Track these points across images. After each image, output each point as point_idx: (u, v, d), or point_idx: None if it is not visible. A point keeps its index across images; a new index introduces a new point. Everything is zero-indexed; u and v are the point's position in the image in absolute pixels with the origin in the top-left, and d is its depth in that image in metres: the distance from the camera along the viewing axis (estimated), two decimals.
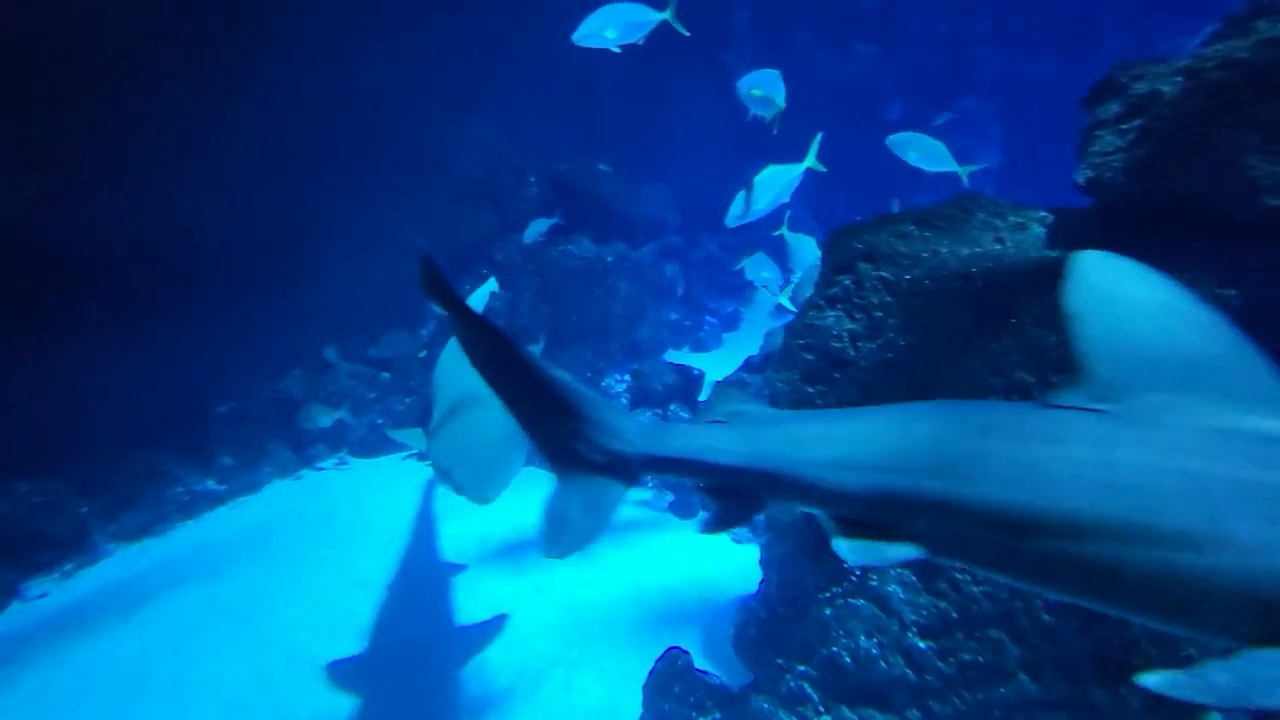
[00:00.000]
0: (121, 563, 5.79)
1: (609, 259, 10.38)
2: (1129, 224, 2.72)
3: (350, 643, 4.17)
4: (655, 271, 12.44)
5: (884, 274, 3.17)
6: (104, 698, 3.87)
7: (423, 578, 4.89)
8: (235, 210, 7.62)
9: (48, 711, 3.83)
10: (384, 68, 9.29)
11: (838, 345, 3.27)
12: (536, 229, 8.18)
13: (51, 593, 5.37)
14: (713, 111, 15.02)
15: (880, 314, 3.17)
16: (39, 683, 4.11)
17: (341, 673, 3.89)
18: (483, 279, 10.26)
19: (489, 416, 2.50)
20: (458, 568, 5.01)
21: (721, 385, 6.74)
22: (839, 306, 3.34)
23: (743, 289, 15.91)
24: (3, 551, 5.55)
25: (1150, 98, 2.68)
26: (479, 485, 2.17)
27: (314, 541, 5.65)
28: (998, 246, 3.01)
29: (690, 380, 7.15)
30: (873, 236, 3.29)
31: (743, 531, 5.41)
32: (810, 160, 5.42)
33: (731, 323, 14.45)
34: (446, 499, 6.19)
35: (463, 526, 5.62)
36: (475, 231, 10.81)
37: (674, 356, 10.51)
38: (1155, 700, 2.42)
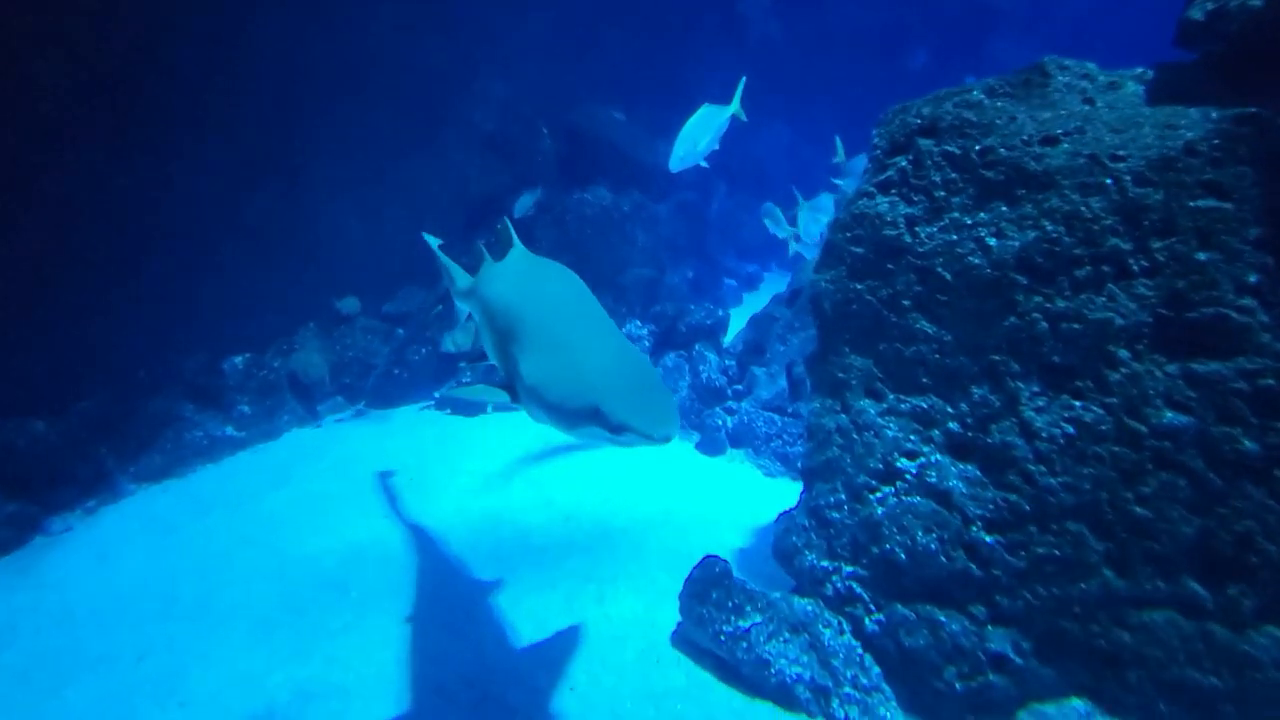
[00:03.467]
0: (145, 500, 5.74)
1: (625, 208, 10.04)
2: (1255, 69, 2.36)
3: (376, 568, 4.04)
4: (671, 227, 12.08)
5: (950, 148, 2.84)
6: (134, 618, 3.79)
7: (448, 510, 4.75)
8: (245, 162, 7.43)
9: (76, 629, 3.77)
10: (392, 18, 8.92)
11: (892, 233, 2.97)
12: (524, 203, 7.87)
13: (75, 528, 5.33)
14: (728, 67, 14.43)
15: (943, 193, 2.86)
16: (63, 604, 4.05)
17: (369, 593, 3.77)
18: (498, 232, 10.03)
19: (617, 355, 2.04)
20: (483, 501, 4.85)
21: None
22: (893, 191, 3.03)
23: (759, 250, 15.49)
24: (24, 488, 5.50)
25: None
26: (662, 423, 1.81)
27: (336, 479, 5.53)
28: (1086, 107, 2.66)
29: (716, 320, 6.87)
30: (934, 109, 2.95)
31: (774, 465, 5.19)
32: (735, 106, 5.01)
33: (752, 283, 14.07)
34: (465, 440, 6.08)
35: (484, 463, 5.47)
36: (489, 185, 10.51)
37: None
38: (1275, 601, 2.16)
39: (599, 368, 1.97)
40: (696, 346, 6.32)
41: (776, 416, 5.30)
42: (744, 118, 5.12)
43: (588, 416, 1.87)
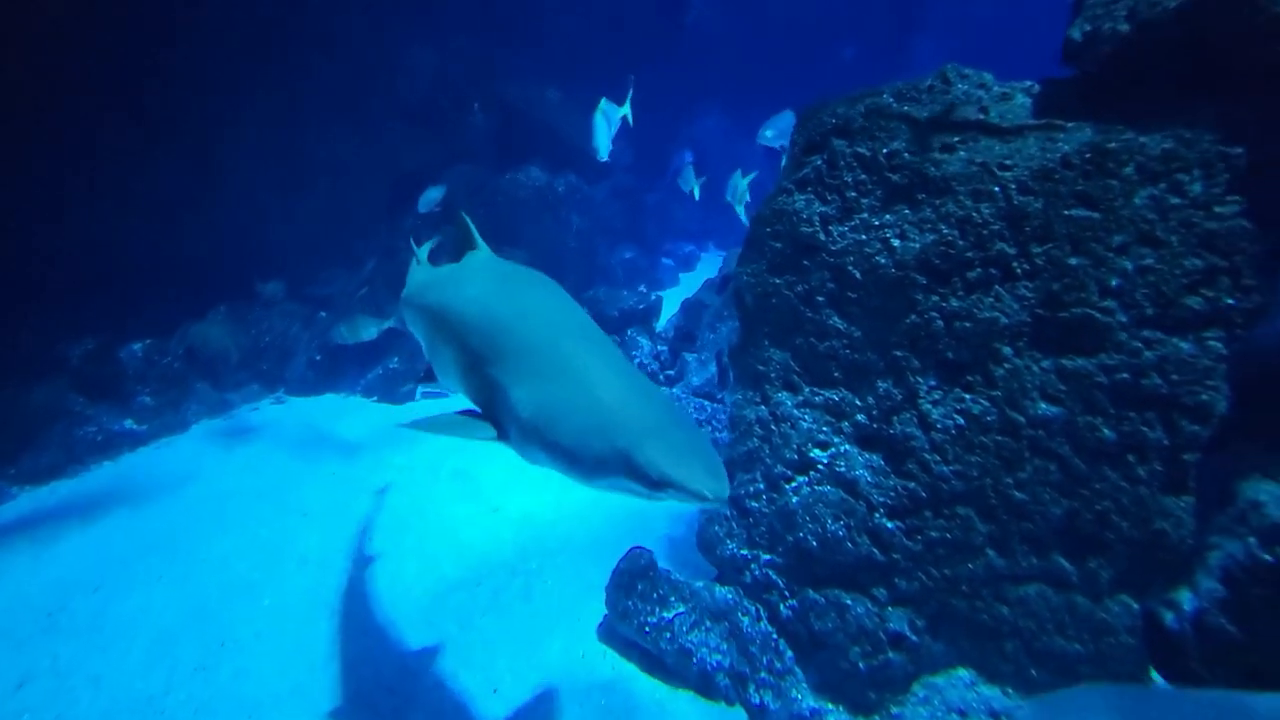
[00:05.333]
0: (28, 504, 5.25)
1: (560, 189, 9.87)
2: (1125, 86, 2.56)
3: (294, 570, 3.88)
4: (607, 209, 11.99)
5: (861, 149, 2.95)
6: (15, 638, 3.48)
7: (371, 506, 4.60)
8: (149, 133, 6.76)
9: None
10: None
11: (808, 230, 3.06)
12: (430, 198, 7.44)
13: None
14: (666, 48, 14.29)
15: (854, 194, 2.97)
16: None
17: (284, 597, 3.62)
18: (447, 231, 9.62)
19: (637, 386, 1.66)
20: (409, 495, 4.73)
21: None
22: (809, 189, 3.12)
23: (697, 231, 15.61)
24: None
25: None
26: (715, 477, 1.41)
27: (249, 474, 5.24)
28: (981, 116, 2.82)
29: (648, 305, 6.91)
30: (848, 110, 3.04)
31: None
32: (625, 108, 5.25)
33: (689, 263, 14.23)
34: (390, 429, 5.88)
35: (410, 456, 5.32)
36: (418, 160, 10.03)
37: None
38: (1127, 573, 2.43)
39: (621, 401, 1.56)
40: (629, 332, 6.36)
41: (707, 403, 5.43)
42: (630, 122, 5.23)
43: (617, 466, 1.45)
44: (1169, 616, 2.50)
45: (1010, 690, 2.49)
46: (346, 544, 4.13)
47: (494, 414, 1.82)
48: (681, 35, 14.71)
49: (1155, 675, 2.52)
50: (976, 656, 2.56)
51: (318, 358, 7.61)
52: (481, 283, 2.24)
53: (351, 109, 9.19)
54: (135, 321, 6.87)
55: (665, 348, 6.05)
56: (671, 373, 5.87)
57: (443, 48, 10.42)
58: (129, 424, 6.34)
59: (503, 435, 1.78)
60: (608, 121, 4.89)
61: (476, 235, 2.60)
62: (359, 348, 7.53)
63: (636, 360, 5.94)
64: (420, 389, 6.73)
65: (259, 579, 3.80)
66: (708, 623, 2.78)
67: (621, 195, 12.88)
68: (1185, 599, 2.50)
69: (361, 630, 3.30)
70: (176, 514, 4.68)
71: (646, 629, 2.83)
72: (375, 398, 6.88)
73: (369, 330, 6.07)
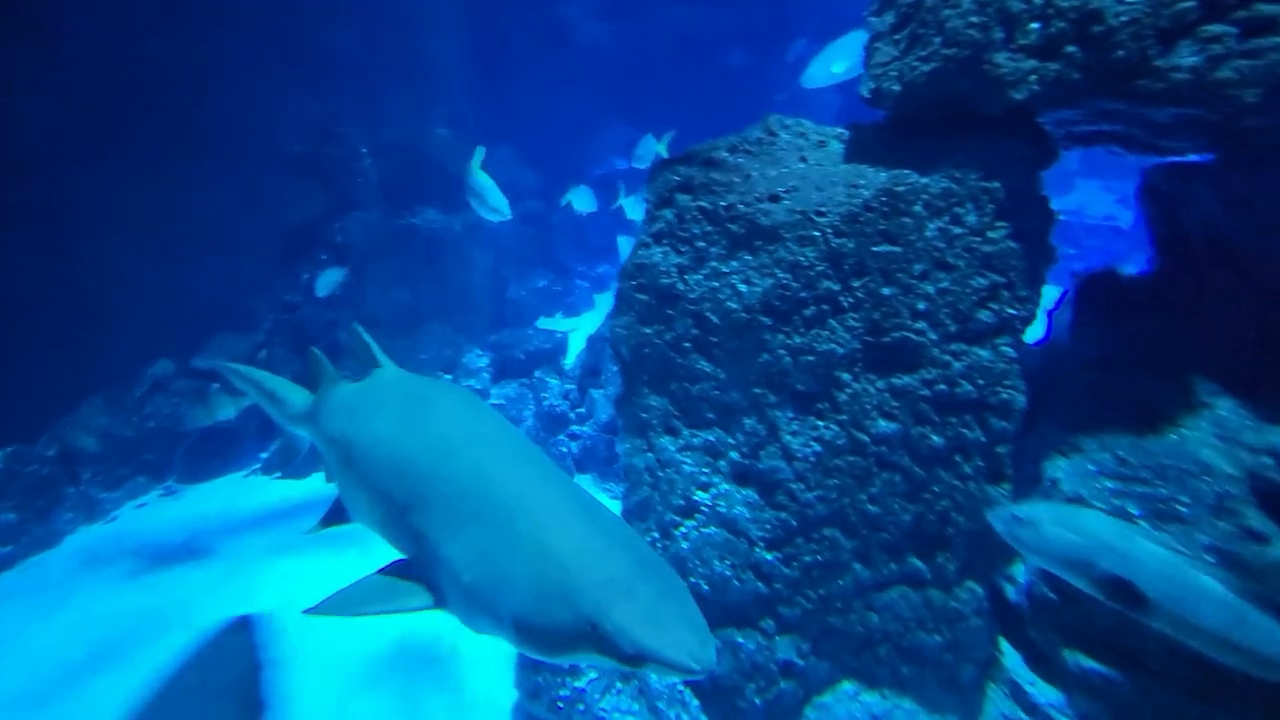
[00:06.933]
0: None
1: (458, 228, 9.77)
2: (910, 131, 2.87)
3: (192, 706, 3.64)
4: (516, 239, 11.96)
5: (703, 204, 3.14)
6: None
7: (272, 603, 4.39)
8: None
9: None
10: (183, 33, 7.77)
11: (667, 281, 3.22)
12: (329, 280, 6.90)
13: None
14: (557, 68, 14.44)
15: (703, 244, 3.15)
16: None
17: None
18: (321, 264, 9.27)
19: (595, 526, 1.44)
20: (314, 583, 4.55)
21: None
22: (665, 242, 3.29)
23: (609, 250, 15.81)
24: None
25: (915, 4, 2.79)
26: (700, 642, 1.23)
27: (134, 589, 4.85)
28: (802, 165, 3.07)
29: (555, 344, 6.96)
30: (688, 168, 3.24)
31: (620, 488, 5.42)
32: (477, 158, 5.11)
33: (603, 283, 14.34)
34: (294, 514, 5.59)
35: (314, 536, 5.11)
36: (306, 213, 9.65)
37: (546, 323, 10.23)
38: (969, 561, 2.71)
39: (578, 550, 1.35)
40: (536, 373, 6.39)
41: (616, 439, 5.54)
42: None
43: (581, 637, 1.25)
44: (1010, 590, 2.83)
45: (887, 692, 2.72)
46: (251, 653, 3.92)
47: (427, 573, 1.53)
48: (571, 55, 14.90)
49: (1003, 643, 2.84)
50: (855, 666, 2.77)
51: (210, 439, 7.17)
52: (392, 414, 1.93)
53: (230, 162, 8.74)
54: None
55: (573, 386, 6.13)
56: (582, 410, 5.95)
57: (322, 94, 10.11)
58: None
59: (440, 602, 1.49)
60: (483, 181, 4.86)
61: (378, 352, 2.32)
62: (259, 420, 7.16)
63: (546, 403, 5.98)
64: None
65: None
66: (618, 684, 2.86)
67: (529, 221, 12.86)
68: (1020, 573, 2.83)
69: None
70: (43, 653, 4.20)
71: (559, 704, 2.87)
72: (277, 474, 6.56)
73: (225, 410, 5.59)
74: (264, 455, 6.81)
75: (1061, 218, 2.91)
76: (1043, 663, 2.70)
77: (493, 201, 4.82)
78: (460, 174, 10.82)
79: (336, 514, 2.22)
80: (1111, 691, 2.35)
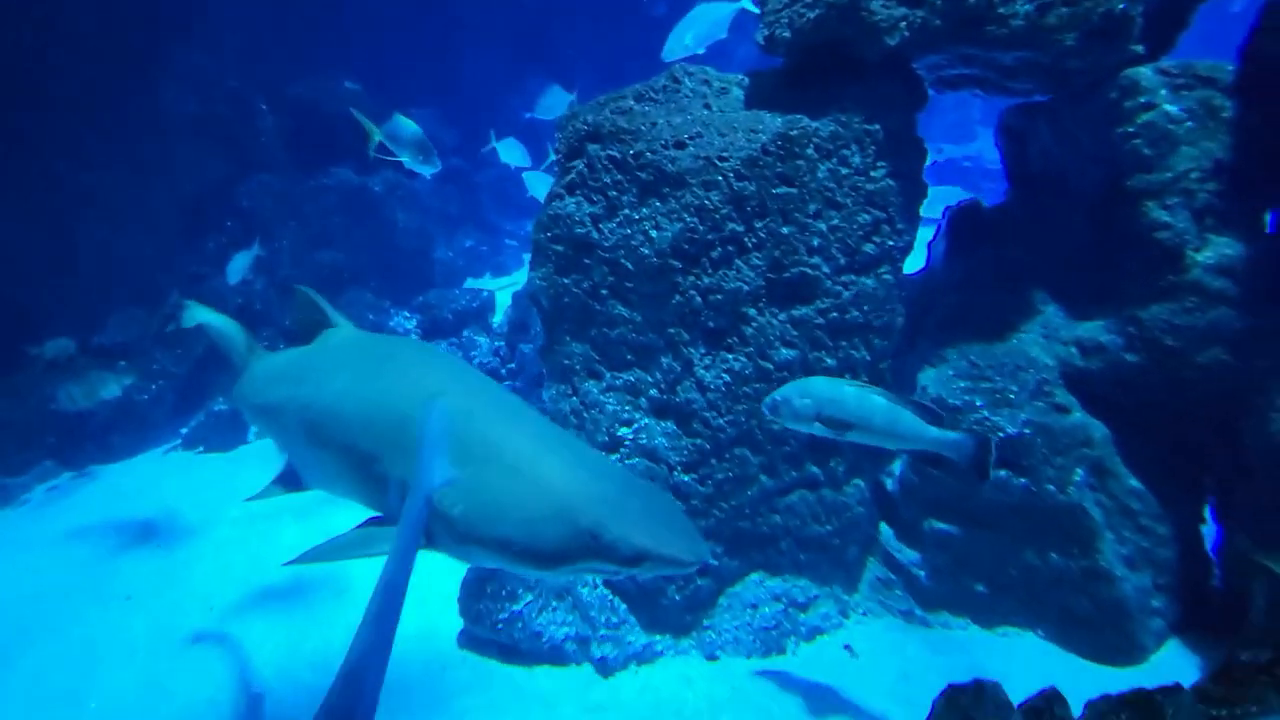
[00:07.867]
0: None
1: (377, 189, 9.36)
2: (803, 78, 3.06)
3: (121, 664, 3.61)
4: (438, 198, 11.54)
5: (612, 152, 3.24)
6: None
7: (207, 572, 4.35)
8: None
9: None
10: None
11: (581, 230, 3.33)
12: (239, 265, 6.32)
13: None
14: (474, 17, 13.70)
15: (615, 193, 3.27)
16: None
17: (116, 698, 3.39)
18: (228, 232, 8.68)
19: (580, 456, 1.54)
20: (247, 552, 4.53)
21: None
22: (577, 192, 3.38)
23: (537, 207, 15.47)
24: None
25: None
26: (691, 540, 1.39)
27: (53, 568, 4.66)
28: (705, 112, 3.21)
29: (482, 302, 6.95)
30: (596, 116, 3.31)
31: None
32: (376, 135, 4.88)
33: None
34: (222, 484, 5.43)
35: (245, 508, 5.03)
36: (205, 178, 8.96)
37: (475, 284, 10.06)
38: (856, 463, 3.08)
39: (568, 476, 1.43)
40: (465, 332, 6.38)
41: None
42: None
43: (582, 549, 1.34)
44: (889, 482, 3.26)
45: (788, 576, 3.11)
46: (180, 623, 3.89)
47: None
48: (490, 2, 14.16)
49: (884, 527, 3.30)
50: (762, 560, 3.14)
51: (122, 417, 6.77)
52: (353, 369, 1.89)
53: (112, 126, 7.94)
54: None
55: (503, 343, 6.17)
56: (513, 365, 6.03)
57: (212, 48, 9.25)
58: None
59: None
60: (407, 134, 4.64)
61: (331, 311, 2.22)
62: (174, 397, 6.83)
63: (477, 360, 6.01)
64: (254, 433, 6.28)
65: (79, 685, 3.49)
66: (554, 603, 3.09)
67: (451, 179, 12.39)
68: (897, 468, 3.26)
69: (211, 705, 3.22)
70: None
71: (499, 625, 3.08)
72: (200, 449, 6.31)
73: (110, 388, 5.21)
74: (183, 432, 6.52)
75: (965, 164, 3.23)
76: (910, 533, 3.19)
77: (419, 147, 4.63)
78: (377, 128, 10.26)
79: (287, 481, 2.17)
80: (954, 544, 2.89)
